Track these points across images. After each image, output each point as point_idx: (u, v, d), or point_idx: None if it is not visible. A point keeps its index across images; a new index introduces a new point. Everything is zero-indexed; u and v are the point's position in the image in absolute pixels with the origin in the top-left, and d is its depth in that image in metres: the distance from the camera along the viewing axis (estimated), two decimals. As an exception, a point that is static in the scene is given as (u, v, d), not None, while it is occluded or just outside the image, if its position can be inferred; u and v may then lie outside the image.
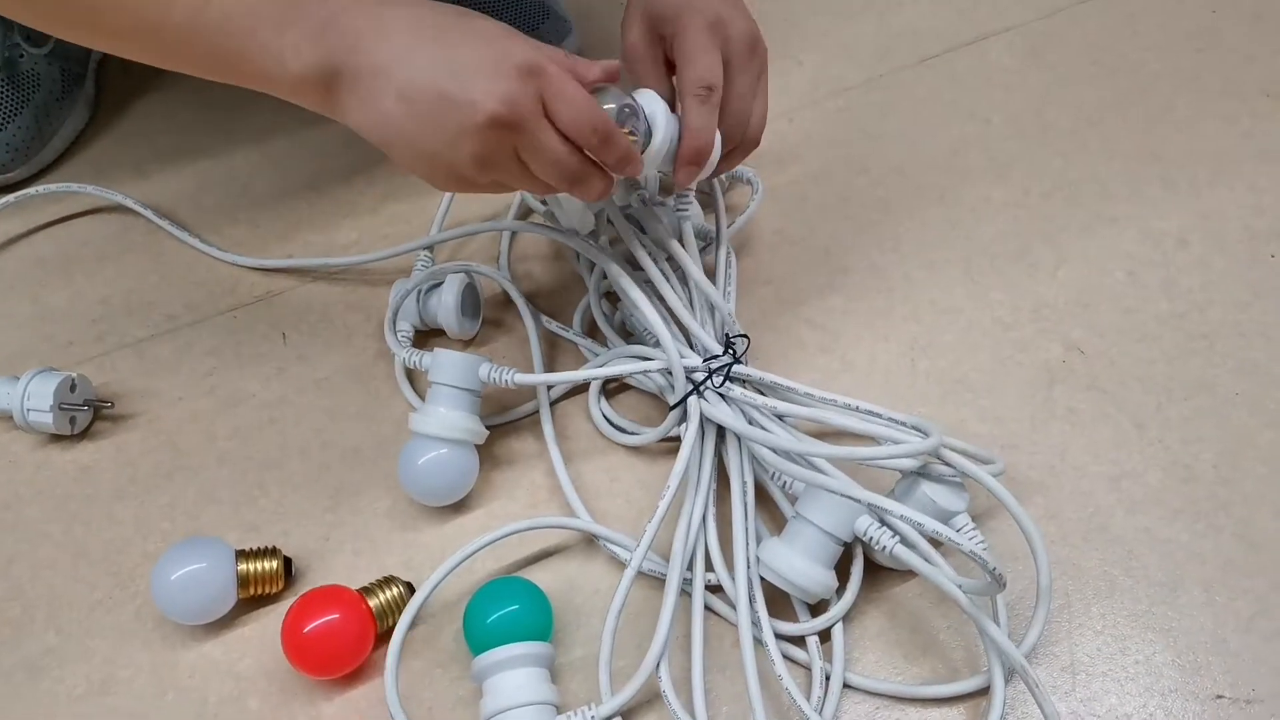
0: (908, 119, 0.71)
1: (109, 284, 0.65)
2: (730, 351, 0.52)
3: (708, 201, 0.59)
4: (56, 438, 0.58)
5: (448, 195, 0.64)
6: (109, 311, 0.64)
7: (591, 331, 0.60)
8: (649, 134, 0.47)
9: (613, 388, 0.58)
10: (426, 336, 0.61)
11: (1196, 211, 0.65)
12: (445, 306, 0.58)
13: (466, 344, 0.60)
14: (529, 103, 0.42)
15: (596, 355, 0.57)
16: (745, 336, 0.53)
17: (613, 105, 0.46)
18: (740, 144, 0.51)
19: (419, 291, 0.58)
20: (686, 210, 0.53)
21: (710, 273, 0.56)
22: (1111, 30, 0.76)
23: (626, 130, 0.46)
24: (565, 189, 0.46)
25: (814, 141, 0.70)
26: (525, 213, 0.65)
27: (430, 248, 0.61)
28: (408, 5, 0.44)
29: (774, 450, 0.48)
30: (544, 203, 0.55)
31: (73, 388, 0.57)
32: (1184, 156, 0.68)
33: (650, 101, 0.48)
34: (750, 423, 0.50)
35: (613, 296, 0.60)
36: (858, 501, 0.44)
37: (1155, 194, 0.66)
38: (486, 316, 0.61)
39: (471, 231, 0.61)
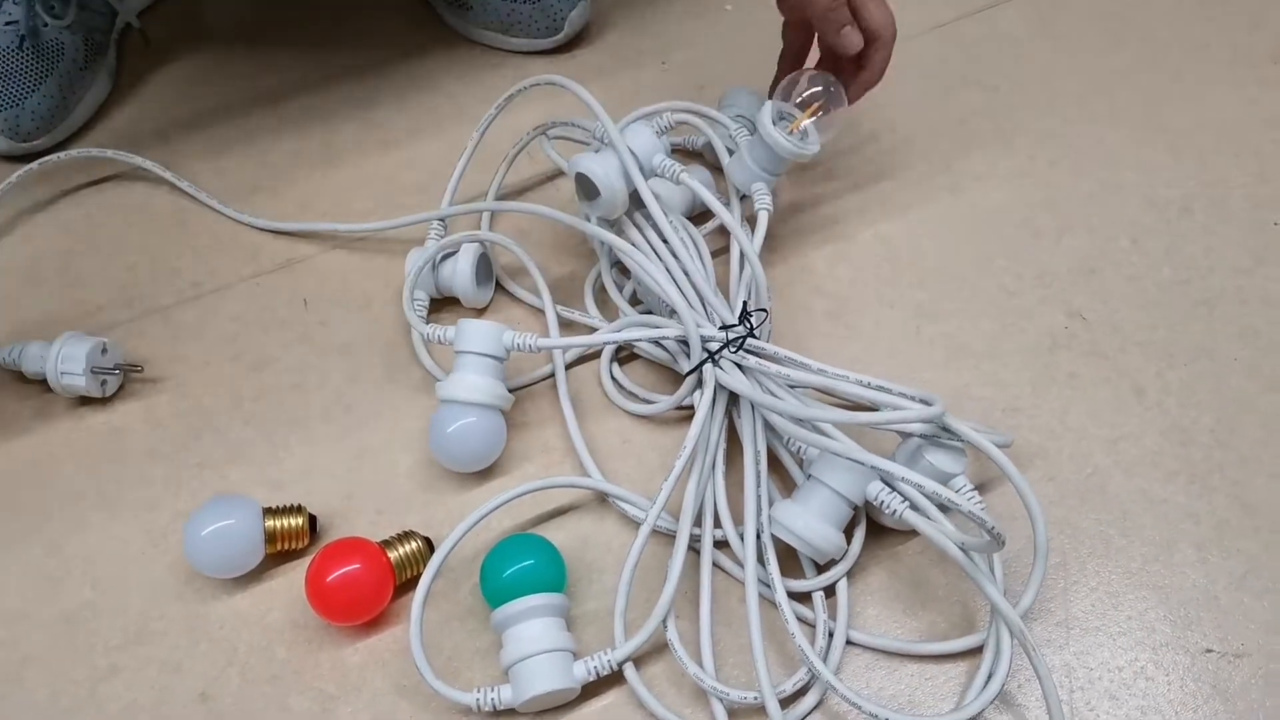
0: (916, 86, 0.72)
1: (135, 251, 0.67)
2: (746, 323, 0.53)
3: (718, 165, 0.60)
4: (88, 400, 0.59)
5: (461, 163, 0.65)
6: (136, 278, 0.65)
7: (601, 302, 0.61)
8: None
9: (620, 358, 0.60)
10: (440, 305, 0.62)
11: (1201, 179, 0.65)
12: (461, 275, 0.59)
13: (480, 312, 0.62)
14: None
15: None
16: (765, 311, 0.54)
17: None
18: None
19: (433, 261, 0.60)
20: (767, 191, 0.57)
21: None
22: (1121, -3, 0.76)
23: (818, 106, 0.56)
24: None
25: (823, 110, 0.70)
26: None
27: (444, 218, 0.63)
28: None
29: (785, 417, 0.50)
30: (582, 196, 0.57)
31: (104, 351, 0.58)
32: (1190, 124, 0.68)
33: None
34: (764, 391, 0.52)
35: (623, 267, 0.61)
36: (865, 465, 0.46)
37: (1161, 161, 0.67)
38: (495, 284, 0.63)
39: (486, 208, 0.63)
